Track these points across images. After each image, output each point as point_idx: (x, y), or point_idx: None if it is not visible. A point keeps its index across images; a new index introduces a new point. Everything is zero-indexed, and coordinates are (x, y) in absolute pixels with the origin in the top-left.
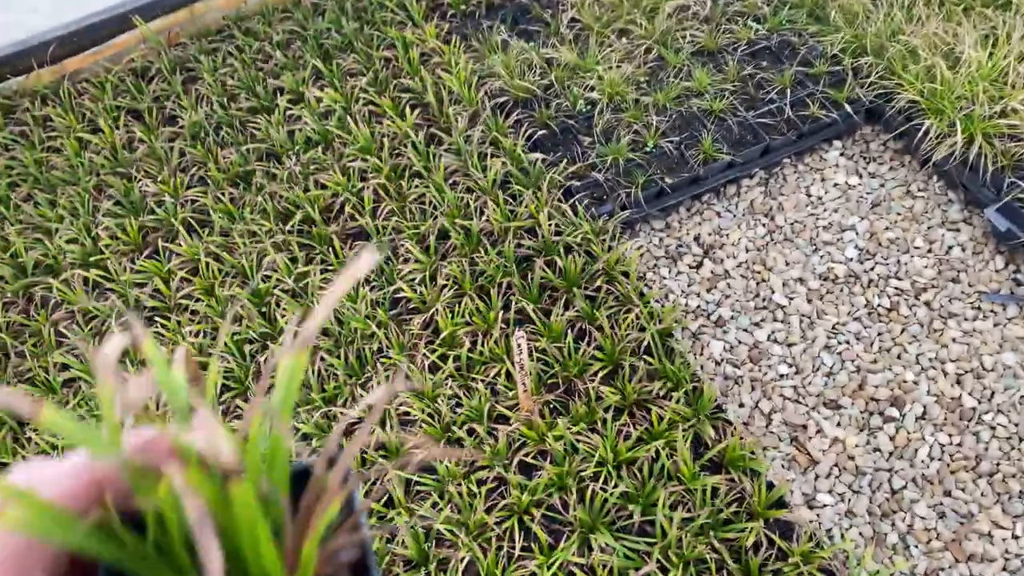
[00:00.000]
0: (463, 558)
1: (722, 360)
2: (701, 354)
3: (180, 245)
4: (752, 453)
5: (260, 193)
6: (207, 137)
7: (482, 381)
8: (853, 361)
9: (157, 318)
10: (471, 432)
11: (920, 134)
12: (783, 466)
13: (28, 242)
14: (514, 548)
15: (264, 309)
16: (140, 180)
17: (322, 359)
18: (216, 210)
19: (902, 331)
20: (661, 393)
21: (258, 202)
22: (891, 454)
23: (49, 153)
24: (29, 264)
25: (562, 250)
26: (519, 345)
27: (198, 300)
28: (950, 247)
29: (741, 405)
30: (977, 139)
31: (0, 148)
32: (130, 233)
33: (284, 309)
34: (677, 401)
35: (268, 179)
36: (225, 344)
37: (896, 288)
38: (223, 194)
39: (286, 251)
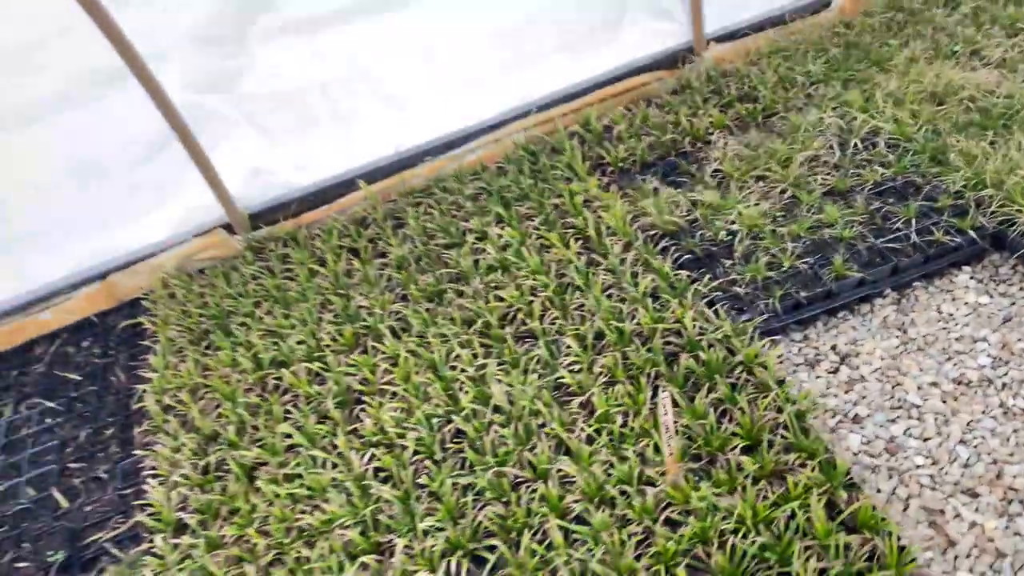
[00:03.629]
0: None
1: (859, 452)
2: (839, 446)
3: (385, 345)
4: (884, 518)
5: (450, 305)
6: (409, 266)
7: (632, 451)
8: (989, 454)
9: (364, 397)
10: (623, 492)
11: None
12: (921, 549)
13: (266, 344)
14: None
15: (450, 391)
16: (355, 298)
17: (496, 431)
18: (414, 319)
19: None
20: (797, 463)
21: (448, 312)
22: None
23: (286, 280)
24: (266, 360)
25: (705, 345)
26: (664, 404)
27: (396, 385)
28: None
29: (878, 491)
30: None
31: (249, 277)
32: (345, 336)
33: (466, 391)
34: (812, 470)
35: (456, 295)
36: (418, 418)
37: None
38: (420, 307)
39: (469, 348)
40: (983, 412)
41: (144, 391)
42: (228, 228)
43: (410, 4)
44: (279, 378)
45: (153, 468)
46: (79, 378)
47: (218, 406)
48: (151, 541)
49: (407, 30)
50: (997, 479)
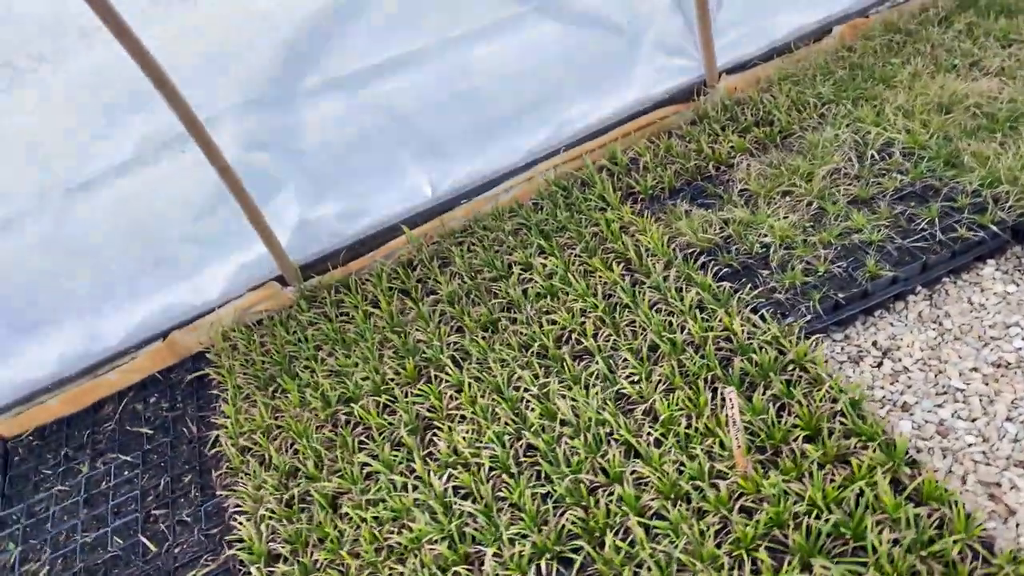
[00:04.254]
0: None
1: (912, 436)
2: (892, 432)
3: (447, 374)
4: (947, 489)
5: (505, 332)
6: (461, 300)
7: (700, 449)
8: None
9: (435, 423)
10: (696, 487)
11: None
12: (984, 518)
13: (332, 383)
14: (744, 572)
15: (516, 410)
16: (412, 334)
17: (566, 442)
18: (473, 347)
19: None
20: (858, 447)
21: (504, 339)
22: None
23: (343, 323)
24: (334, 398)
25: (756, 347)
26: (730, 399)
27: (464, 409)
28: None
29: (935, 470)
30: None
31: (306, 324)
32: (408, 369)
33: (532, 409)
34: (873, 451)
35: (510, 323)
36: (489, 437)
37: None
38: (477, 336)
39: (530, 370)
40: None
41: (217, 437)
42: (280, 280)
43: (442, 56)
44: (349, 413)
45: (237, 506)
46: (151, 431)
47: (293, 444)
48: (248, 573)
49: (439, 80)
50: None
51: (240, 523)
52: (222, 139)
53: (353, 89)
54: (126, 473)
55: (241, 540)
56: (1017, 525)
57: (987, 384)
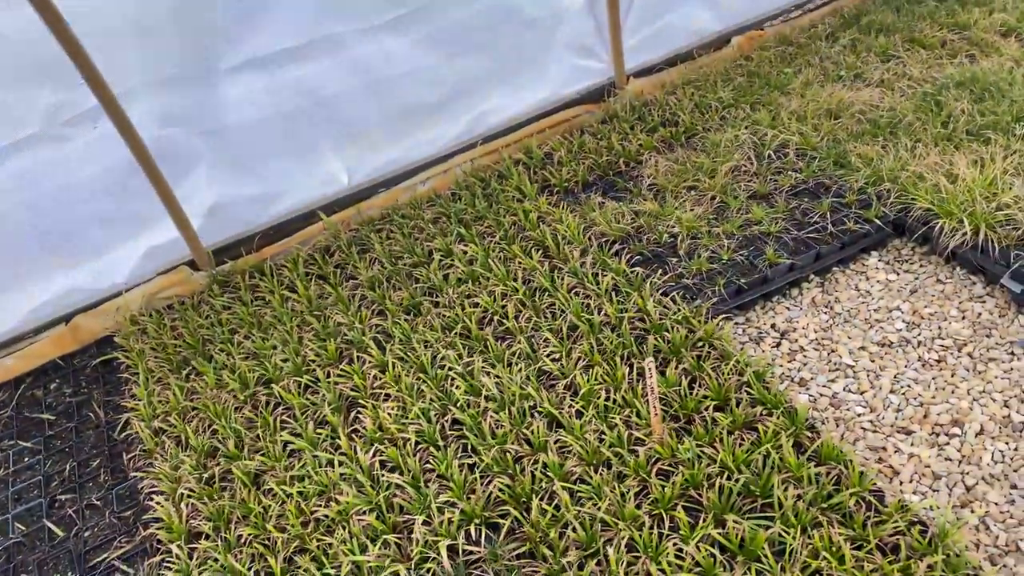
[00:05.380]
0: (624, 537)
1: (808, 408)
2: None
3: (370, 355)
4: (843, 450)
5: (428, 315)
6: (381, 285)
7: (619, 419)
8: (916, 398)
9: (359, 401)
10: (616, 454)
11: (937, 230)
12: (873, 477)
13: (250, 365)
14: (664, 529)
15: (442, 388)
16: (332, 317)
17: (491, 416)
18: (395, 330)
19: (952, 374)
20: (763, 414)
21: (427, 321)
22: (960, 461)
23: (259, 307)
24: (252, 380)
25: (668, 326)
26: (649, 370)
27: (388, 388)
28: (979, 313)
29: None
30: (982, 228)
31: (220, 307)
32: (329, 351)
33: (457, 386)
34: (777, 418)
35: (432, 306)
36: (415, 413)
37: (941, 345)
38: (399, 319)
39: (454, 349)
40: (905, 366)
41: (128, 420)
42: (191, 264)
43: (363, 43)
44: (269, 394)
45: (153, 487)
46: (52, 417)
47: (211, 425)
48: (167, 552)
49: (359, 68)
50: (925, 418)
51: (158, 503)
52: (136, 115)
53: (273, 71)
54: (27, 460)
55: (159, 520)
56: (901, 482)
57: (873, 361)
